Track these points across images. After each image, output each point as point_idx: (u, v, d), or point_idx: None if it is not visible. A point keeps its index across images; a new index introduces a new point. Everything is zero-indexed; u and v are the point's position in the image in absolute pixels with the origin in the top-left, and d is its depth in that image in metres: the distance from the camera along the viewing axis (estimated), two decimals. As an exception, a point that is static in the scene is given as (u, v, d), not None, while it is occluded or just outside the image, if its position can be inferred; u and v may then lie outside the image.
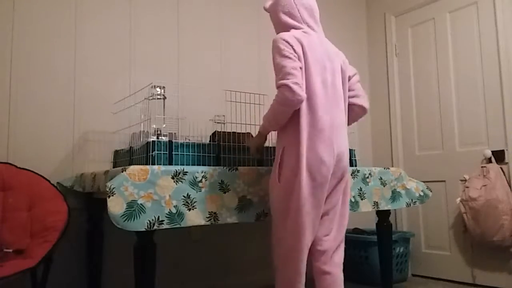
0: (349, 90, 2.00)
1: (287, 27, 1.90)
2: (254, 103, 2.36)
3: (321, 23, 2.17)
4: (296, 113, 1.78)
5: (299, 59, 1.77)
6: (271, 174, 1.87)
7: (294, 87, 1.69)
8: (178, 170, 1.78)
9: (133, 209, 1.62)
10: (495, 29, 3.03)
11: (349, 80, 2.00)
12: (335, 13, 3.78)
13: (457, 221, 3.18)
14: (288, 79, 1.71)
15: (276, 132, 1.91)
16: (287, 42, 1.78)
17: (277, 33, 1.94)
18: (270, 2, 1.99)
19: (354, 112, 2.05)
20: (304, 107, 1.77)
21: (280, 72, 1.74)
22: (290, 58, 1.75)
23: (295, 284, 1.79)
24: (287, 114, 1.76)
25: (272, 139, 2.98)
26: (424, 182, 3.26)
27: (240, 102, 2.34)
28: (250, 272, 3.03)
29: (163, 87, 2.10)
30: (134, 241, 1.73)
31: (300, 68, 1.76)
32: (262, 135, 1.97)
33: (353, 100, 2.02)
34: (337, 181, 1.89)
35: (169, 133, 2.11)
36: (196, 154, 2.03)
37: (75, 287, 2.39)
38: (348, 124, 2.05)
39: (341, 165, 1.86)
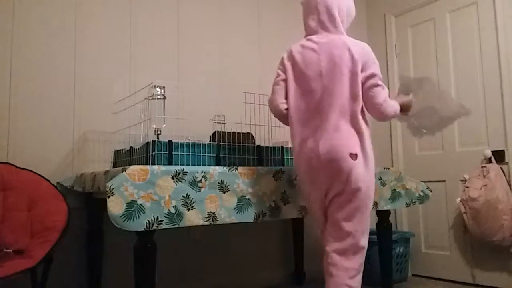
0: (364, 99, 1.90)
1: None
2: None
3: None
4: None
5: (285, 73, 1.99)
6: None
7: (269, 103, 2.05)
8: (178, 170, 1.78)
9: (133, 209, 1.62)
10: (495, 29, 3.03)
11: (362, 85, 1.87)
12: (335, 13, 3.78)
13: (457, 221, 3.18)
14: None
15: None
16: (282, 57, 2.03)
17: None
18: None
19: (372, 115, 1.98)
20: (292, 112, 1.94)
21: None
22: (277, 75, 2.02)
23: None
24: (281, 121, 2.04)
25: (271, 138, 2.98)
26: (424, 182, 3.26)
27: (259, 104, 2.39)
28: (250, 272, 3.03)
29: (163, 87, 2.10)
30: (134, 241, 1.74)
31: (283, 80, 1.98)
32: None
33: (368, 111, 1.95)
34: (332, 179, 1.82)
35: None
36: (196, 154, 2.03)
37: (75, 287, 2.39)
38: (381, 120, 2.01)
39: (332, 165, 1.79)
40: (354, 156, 1.79)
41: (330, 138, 1.81)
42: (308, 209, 2.06)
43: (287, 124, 2.01)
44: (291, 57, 1.96)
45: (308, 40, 1.95)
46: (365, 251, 1.88)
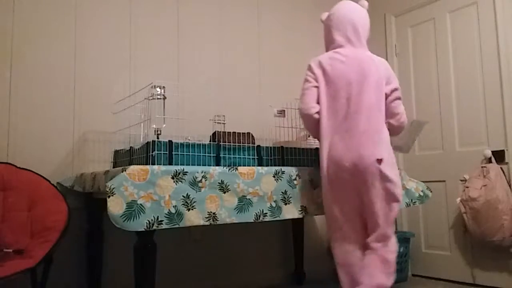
0: (386, 109, 2.12)
1: (326, 47, 2.23)
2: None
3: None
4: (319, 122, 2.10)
5: (316, 80, 2.11)
6: None
7: (300, 105, 2.13)
8: (178, 170, 1.78)
9: (133, 209, 1.62)
10: (495, 29, 3.03)
11: (386, 97, 2.12)
12: (335, 13, 3.78)
13: (457, 221, 3.18)
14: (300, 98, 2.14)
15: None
16: (310, 66, 2.15)
17: (325, 45, 2.25)
18: (323, 17, 2.27)
19: (390, 127, 2.17)
20: (323, 117, 2.07)
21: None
22: (307, 81, 2.14)
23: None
24: (306, 125, 2.15)
25: (273, 139, 2.98)
26: (424, 182, 3.26)
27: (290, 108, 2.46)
28: (250, 272, 3.03)
29: (163, 87, 2.10)
30: (134, 241, 1.74)
31: (315, 87, 2.10)
32: None
33: (387, 119, 2.15)
34: (361, 182, 1.99)
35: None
36: (196, 154, 2.03)
37: (75, 287, 2.39)
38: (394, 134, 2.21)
39: (360, 168, 1.96)
40: (380, 161, 1.98)
41: (357, 143, 1.98)
42: (329, 208, 2.09)
43: (310, 129, 2.16)
44: (321, 67, 2.12)
45: (335, 52, 2.13)
46: (392, 239, 2.08)
